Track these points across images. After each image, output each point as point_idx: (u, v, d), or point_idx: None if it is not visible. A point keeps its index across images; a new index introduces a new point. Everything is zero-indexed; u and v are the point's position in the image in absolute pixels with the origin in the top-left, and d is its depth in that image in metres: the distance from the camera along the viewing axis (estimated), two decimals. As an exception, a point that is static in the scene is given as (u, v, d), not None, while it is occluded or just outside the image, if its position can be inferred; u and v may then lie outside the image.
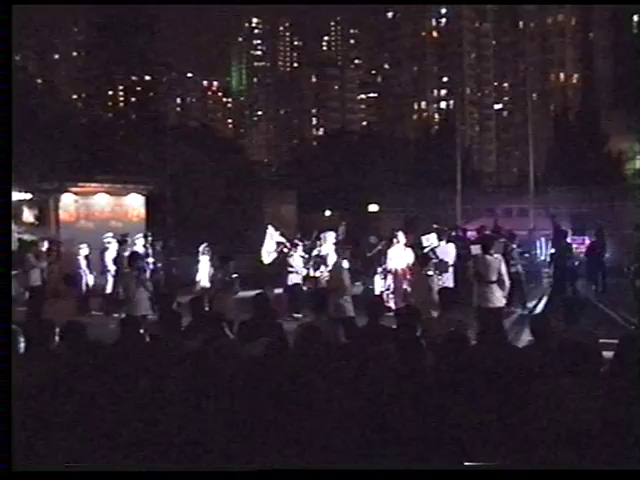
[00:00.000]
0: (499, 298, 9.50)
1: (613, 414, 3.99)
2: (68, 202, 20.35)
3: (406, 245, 13.45)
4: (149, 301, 10.49)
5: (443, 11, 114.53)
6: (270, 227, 15.50)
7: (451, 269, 12.67)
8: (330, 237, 13.63)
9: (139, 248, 16.03)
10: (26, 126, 26.51)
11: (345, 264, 10.21)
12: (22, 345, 5.15)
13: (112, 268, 15.40)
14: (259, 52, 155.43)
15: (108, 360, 5.08)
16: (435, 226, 14.21)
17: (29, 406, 4.34)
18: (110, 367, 4.92)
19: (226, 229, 30.80)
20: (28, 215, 20.42)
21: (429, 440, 4.09)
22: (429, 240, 13.06)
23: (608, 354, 4.98)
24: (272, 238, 14.86)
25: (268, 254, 14.61)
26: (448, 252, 12.89)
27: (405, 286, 12.85)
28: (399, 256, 13.36)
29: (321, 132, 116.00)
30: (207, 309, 9.20)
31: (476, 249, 10.61)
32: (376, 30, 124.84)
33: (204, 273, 13.74)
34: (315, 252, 13.59)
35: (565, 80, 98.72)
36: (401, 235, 13.53)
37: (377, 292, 13.28)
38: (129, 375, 4.73)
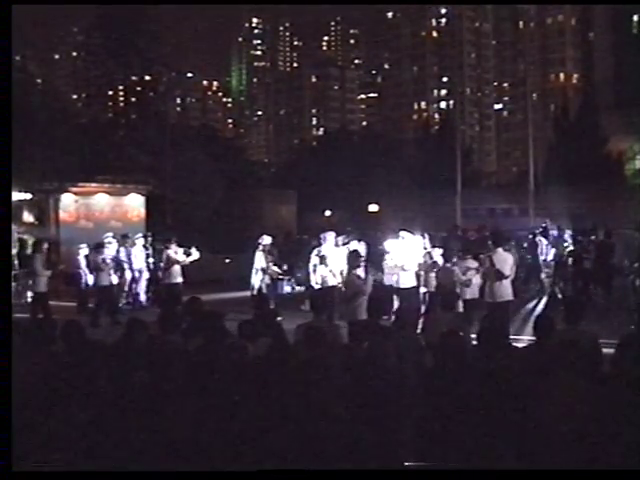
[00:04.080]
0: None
1: (613, 413, 3.99)
2: (68, 202, 20.36)
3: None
4: None
5: (443, 11, 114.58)
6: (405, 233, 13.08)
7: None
8: (330, 237, 13.56)
9: (139, 248, 16.07)
10: (26, 126, 26.50)
11: None
12: None
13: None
14: (259, 52, 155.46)
15: (109, 359, 5.07)
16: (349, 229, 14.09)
17: (29, 406, 4.34)
18: (111, 366, 4.91)
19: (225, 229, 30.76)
20: (28, 215, 20.42)
21: (429, 440, 4.09)
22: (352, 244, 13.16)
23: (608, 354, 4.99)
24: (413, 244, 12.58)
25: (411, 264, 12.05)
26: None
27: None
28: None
29: (321, 132, 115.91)
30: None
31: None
32: (376, 30, 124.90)
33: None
34: (315, 252, 13.47)
35: (565, 80, 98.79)
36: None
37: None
38: (129, 374, 4.72)
